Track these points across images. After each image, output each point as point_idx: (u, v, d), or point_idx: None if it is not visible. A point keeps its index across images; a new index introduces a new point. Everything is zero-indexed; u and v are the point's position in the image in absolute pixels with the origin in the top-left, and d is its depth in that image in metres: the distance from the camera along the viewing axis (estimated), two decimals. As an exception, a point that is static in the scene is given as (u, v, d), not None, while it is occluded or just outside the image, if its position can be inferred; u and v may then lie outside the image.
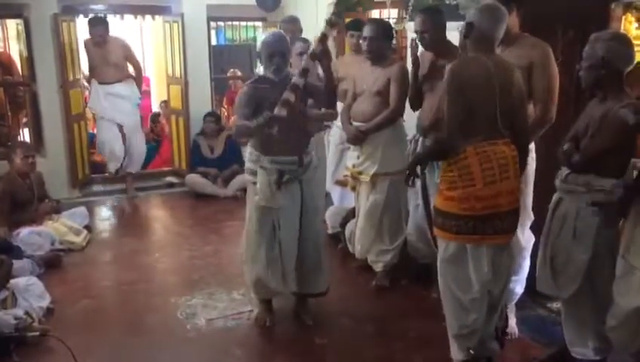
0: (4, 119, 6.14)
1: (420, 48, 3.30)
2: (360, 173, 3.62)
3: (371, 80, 3.53)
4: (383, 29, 3.51)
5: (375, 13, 5.58)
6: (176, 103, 6.12)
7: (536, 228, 2.85)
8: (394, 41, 4.13)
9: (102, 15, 5.62)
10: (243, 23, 7.58)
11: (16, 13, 5.34)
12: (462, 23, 2.52)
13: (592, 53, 2.35)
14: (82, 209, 4.87)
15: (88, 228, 4.72)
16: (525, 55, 2.67)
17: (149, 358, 3.00)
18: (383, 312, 3.40)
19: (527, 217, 2.84)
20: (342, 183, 4.22)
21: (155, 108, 8.01)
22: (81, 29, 5.60)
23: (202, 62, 6.06)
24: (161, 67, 7.25)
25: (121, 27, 6.96)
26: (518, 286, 2.98)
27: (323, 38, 2.84)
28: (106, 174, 5.82)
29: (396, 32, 4.32)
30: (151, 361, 2.99)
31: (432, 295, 3.32)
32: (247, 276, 3.21)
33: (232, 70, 7.51)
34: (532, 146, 2.79)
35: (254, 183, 3.02)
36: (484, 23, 2.41)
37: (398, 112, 3.51)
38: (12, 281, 3.22)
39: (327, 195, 4.45)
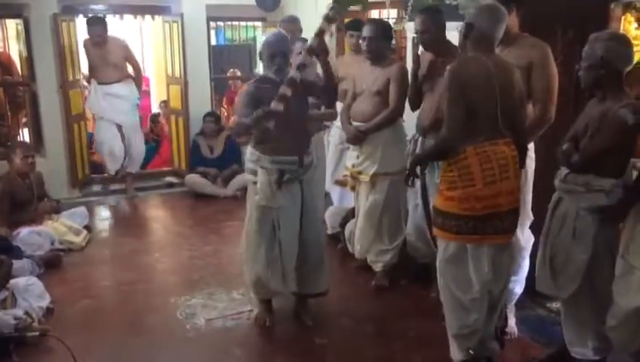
0: (3, 119, 6.13)
1: (420, 48, 3.30)
2: (359, 172, 3.62)
3: (371, 80, 3.54)
4: (383, 29, 3.51)
5: (374, 14, 5.58)
6: (175, 103, 6.12)
7: (535, 228, 2.85)
8: (393, 41, 4.13)
9: (101, 15, 5.61)
10: (243, 23, 7.57)
11: (15, 13, 5.34)
12: (461, 23, 2.52)
13: (591, 53, 2.35)
14: (82, 209, 4.87)
15: (88, 228, 4.72)
16: (525, 55, 2.67)
17: (148, 358, 3.00)
18: (382, 312, 3.40)
19: (527, 217, 2.85)
20: (341, 183, 4.22)
21: (155, 108, 8.01)
22: (81, 29, 5.59)
23: (202, 62, 6.05)
24: (160, 67, 7.25)
25: (120, 27, 6.96)
26: (518, 286, 2.99)
27: (320, 33, 2.83)
28: (106, 174, 5.80)
29: (395, 32, 4.32)
30: (150, 361, 2.99)
31: (432, 295, 3.33)
32: (247, 276, 3.21)
33: (231, 70, 7.51)
34: (531, 146, 2.80)
35: (254, 183, 3.03)
36: (484, 23, 2.42)
37: (398, 112, 3.52)
38: (12, 281, 3.22)
39: (327, 195, 4.45)
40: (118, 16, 6.35)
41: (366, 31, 3.50)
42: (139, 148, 5.72)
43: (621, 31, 3.56)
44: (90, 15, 5.55)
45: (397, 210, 3.63)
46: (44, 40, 5.24)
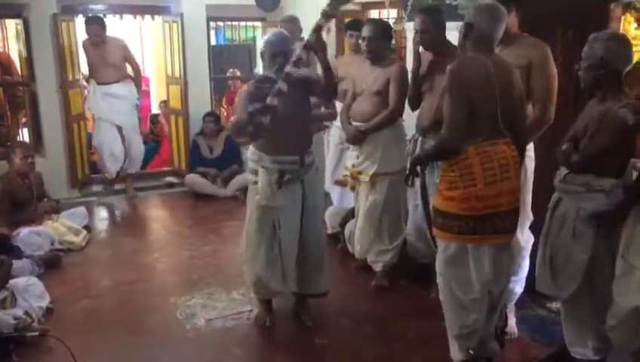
0: (3, 119, 6.13)
1: (420, 48, 3.30)
2: (359, 172, 3.62)
3: (371, 80, 3.54)
4: (382, 29, 3.51)
5: (374, 14, 5.58)
6: (175, 103, 6.12)
7: (535, 228, 2.85)
8: (393, 41, 4.13)
9: (99, 15, 5.60)
10: (242, 23, 7.57)
11: (15, 13, 5.33)
12: (461, 23, 2.52)
13: (590, 54, 2.35)
14: (82, 209, 4.87)
15: (88, 228, 4.72)
16: (524, 55, 2.67)
17: (148, 358, 3.00)
18: (382, 312, 3.40)
19: (526, 217, 2.85)
20: (341, 183, 4.22)
21: (155, 108, 8.01)
22: (81, 29, 5.57)
23: (202, 62, 6.05)
24: (160, 67, 7.24)
25: (120, 27, 6.96)
26: (518, 286, 2.99)
27: (317, 29, 2.81)
28: (106, 175, 5.76)
29: (395, 32, 4.32)
30: (150, 361, 2.99)
31: (432, 295, 3.32)
32: (247, 276, 3.21)
33: (231, 70, 7.51)
34: (531, 146, 2.80)
35: (255, 183, 3.03)
36: (484, 23, 2.41)
37: (398, 112, 3.52)
38: (12, 281, 3.22)
39: (327, 195, 4.45)
40: (117, 16, 6.34)
41: (366, 31, 3.50)
42: (138, 148, 5.72)
43: (621, 31, 3.56)
44: (89, 15, 5.54)
45: (397, 210, 3.63)
46: (44, 40, 5.24)
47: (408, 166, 2.78)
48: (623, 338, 2.35)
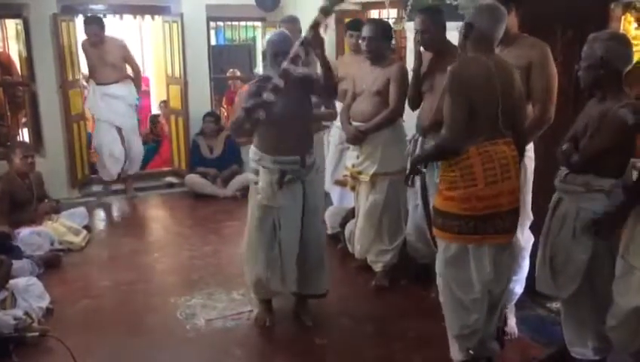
0: (3, 119, 6.13)
1: (421, 48, 3.29)
2: (359, 172, 3.62)
3: (371, 80, 3.54)
4: (382, 30, 3.51)
5: (374, 14, 5.58)
6: (175, 103, 6.12)
7: (535, 228, 2.85)
8: (393, 41, 4.13)
9: (98, 15, 5.59)
10: (242, 23, 7.57)
11: (15, 13, 5.33)
12: (461, 23, 2.52)
13: (590, 53, 2.35)
14: (81, 209, 4.87)
15: (88, 228, 4.72)
16: (524, 55, 2.67)
17: (148, 358, 3.00)
18: (382, 312, 3.40)
19: (526, 217, 2.85)
20: (341, 183, 4.22)
21: (155, 108, 8.01)
22: (81, 29, 5.57)
23: (202, 62, 6.05)
24: (160, 67, 7.24)
25: (120, 27, 6.95)
26: (518, 286, 2.99)
27: (315, 25, 2.80)
28: (105, 178, 5.71)
29: (395, 32, 4.32)
30: (150, 361, 2.99)
31: (432, 295, 3.32)
32: (248, 276, 3.21)
33: (231, 70, 7.51)
34: (531, 146, 2.80)
35: (256, 183, 3.03)
36: (484, 23, 2.41)
37: (398, 112, 3.52)
38: (11, 282, 3.22)
39: (327, 195, 4.45)
40: (117, 16, 6.34)
41: (365, 31, 3.50)
42: (138, 149, 5.70)
43: (621, 31, 3.56)
44: (88, 15, 5.53)
45: (397, 210, 3.63)
46: (44, 40, 5.24)
47: (409, 166, 2.78)
48: (623, 339, 2.34)
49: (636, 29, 4.41)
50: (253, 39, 8.09)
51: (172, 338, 3.12)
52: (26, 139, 6.03)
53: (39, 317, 3.17)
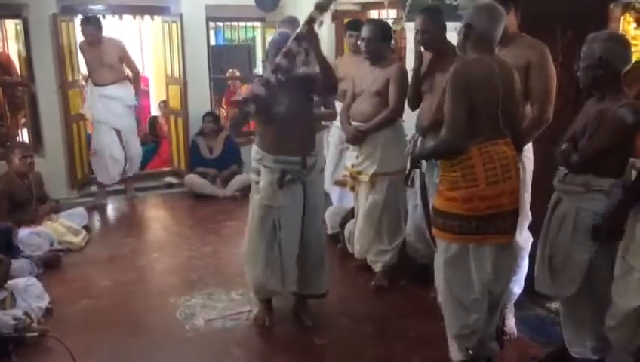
0: (2, 119, 6.12)
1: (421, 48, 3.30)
2: (359, 173, 3.62)
3: (370, 80, 3.54)
4: (382, 30, 3.51)
5: (374, 14, 5.59)
6: (175, 103, 6.12)
7: (534, 229, 2.85)
8: (392, 42, 4.13)
9: (95, 15, 5.56)
10: (242, 23, 7.57)
11: (15, 13, 5.32)
12: (459, 24, 2.52)
13: (589, 53, 2.35)
14: (81, 209, 4.87)
15: (87, 228, 4.72)
16: (523, 55, 2.68)
17: (147, 358, 3.00)
18: (382, 312, 3.40)
19: (525, 217, 2.84)
20: (341, 183, 4.22)
21: (154, 108, 8.00)
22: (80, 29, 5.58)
23: (201, 63, 6.05)
24: (159, 67, 7.24)
25: (120, 27, 6.95)
26: (517, 287, 2.99)
27: (310, 21, 2.79)
28: (104, 182, 5.61)
29: (394, 32, 4.32)
30: (150, 361, 2.99)
31: (431, 295, 3.33)
32: (248, 276, 3.22)
33: (230, 70, 7.51)
34: (529, 146, 2.80)
35: (257, 182, 3.03)
36: (482, 23, 2.41)
37: (397, 112, 3.52)
38: (11, 282, 3.22)
39: (327, 195, 4.45)
40: (117, 16, 6.34)
41: (365, 32, 3.50)
42: (136, 150, 5.66)
43: (620, 31, 3.56)
44: (86, 15, 5.51)
45: (396, 210, 3.63)
46: (44, 40, 5.23)
47: (409, 164, 2.78)
48: (622, 339, 2.35)
49: (635, 29, 4.42)
50: (253, 39, 8.09)
51: (171, 339, 3.12)
52: (26, 139, 6.02)
53: (39, 317, 3.17)
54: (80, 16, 5.55)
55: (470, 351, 2.59)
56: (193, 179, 5.77)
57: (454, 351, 2.66)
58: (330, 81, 2.96)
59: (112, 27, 6.47)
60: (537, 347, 2.97)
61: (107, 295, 3.66)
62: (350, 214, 4.06)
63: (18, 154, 4.33)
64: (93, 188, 5.72)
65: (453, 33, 2.89)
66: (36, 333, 2.97)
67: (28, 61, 5.36)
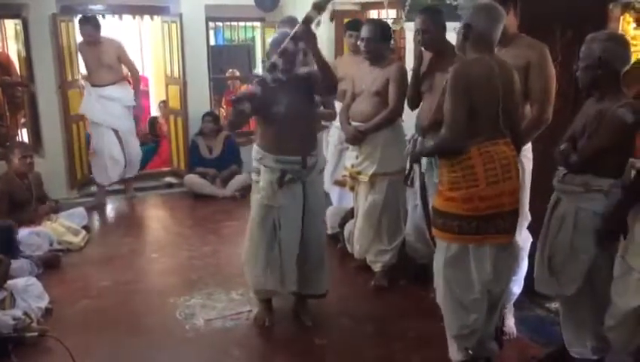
0: (2, 119, 6.12)
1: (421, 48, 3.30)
2: (359, 173, 3.62)
3: (370, 80, 3.54)
4: (381, 30, 3.51)
5: (373, 14, 5.59)
6: (174, 103, 6.11)
7: (533, 229, 2.85)
8: (392, 42, 4.13)
9: (94, 15, 5.55)
10: (241, 23, 7.57)
11: (14, 13, 5.32)
12: (459, 24, 2.51)
13: (589, 54, 2.35)
14: (80, 209, 4.87)
15: (87, 228, 4.72)
16: (522, 55, 2.67)
17: (147, 358, 3.00)
18: (381, 312, 3.40)
19: (524, 217, 2.84)
20: (341, 183, 4.23)
21: (154, 108, 7.99)
22: (80, 29, 5.58)
23: (201, 63, 6.05)
24: (159, 67, 7.24)
25: (119, 27, 6.95)
26: (516, 287, 2.99)
27: (306, 20, 2.78)
28: (103, 183, 5.59)
29: (394, 32, 4.32)
30: (149, 361, 2.99)
31: (431, 295, 3.31)
32: (247, 276, 3.22)
33: (230, 70, 7.51)
34: (529, 146, 2.80)
35: (257, 182, 3.03)
36: (481, 22, 2.41)
37: (397, 112, 3.52)
38: (11, 282, 3.22)
39: (326, 195, 4.45)
40: (117, 16, 6.34)
41: (364, 32, 3.50)
42: (135, 151, 5.64)
43: (620, 31, 3.57)
44: (84, 15, 5.50)
45: (396, 210, 3.63)
46: (43, 40, 5.23)
47: (408, 164, 2.78)
48: (622, 339, 2.35)
49: (635, 29, 4.42)
50: (253, 39, 8.09)
51: (171, 339, 3.12)
52: (25, 139, 6.02)
53: (38, 317, 3.17)
54: (80, 16, 5.55)
55: (470, 351, 2.59)
56: (193, 179, 5.77)
57: (454, 351, 2.66)
58: (329, 80, 2.95)
59: (112, 27, 6.47)
60: (537, 347, 2.97)
61: (107, 295, 3.66)
62: (350, 214, 4.06)
63: (18, 154, 4.33)
64: (93, 189, 5.72)
65: (452, 33, 2.89)
66: (36, 333, 2.97)
67: (27, 61, 5.36)
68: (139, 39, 8.80)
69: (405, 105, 3.48)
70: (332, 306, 3.41)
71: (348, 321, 3.29)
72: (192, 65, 5.89)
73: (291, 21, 4.36)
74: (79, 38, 5.43)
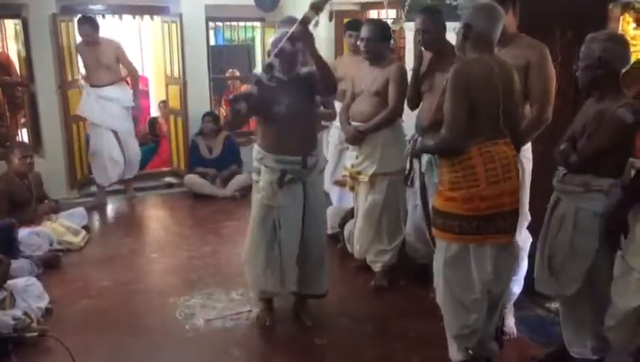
0: (2, 119, 6.12)
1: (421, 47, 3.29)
2: (359, 173, 3.62)
3: (370, 80, 3.54)
4: (381, 30, 3.51)
5: (373, 14, 5.59)
6: (174, 103, 6.12)
7: (533, 229, 2.85)
8: (392, 42, 4.13)
9: (92, 15, 5.55)
10: (241, 23, 7.57)
11: (14, 13, 5.33)
12: (458, 24, 2.51)
13: (588, 54, 2.36)
14: (80, 209, 4.87)
15: (87, 228, 4.72)
16: (522, 55, 2.67)
17: (147, 358, 3.00)
18: (381, 312, 3.40)
19: (524, 217, 2.84)
20: (341, 183, 4.23)
21: (154, 108, 8.00)
22: (80, 29, 5.58)
23: (201, 63, 6.05)
24: (159, 67, 7.24)
25: (119, 27, 6.95)
26: (516, 287, 2.99)
27: (304, 21, 2.77)
28: (103, 183, 5.58)
29: (394, 32, 4.32)
30: (149, 361, 2.99)
31: (431, 295, 3.31)
32: (248, 276, 3.22)
33: (230, 70, 7.51)
34: (528, 146, 2.80)
35: (258, 182, 3.03)
36: (481, 23, 2.41)
37: (397, 112, 3.52)
38: (11, 282, 3.22)
39: (326, 195, 4.45)
40: (116, 16, 6.34)
41: (364, 32, 3.50)
42: (135, 151, 5.63)
43: (619, 31, 3.57)
44: (83, 15, 5.49)
45: (396, 210, 3.63)
46: (43, 40, 5.23)
47: (408, 164, 2.78)
48: (622, 339, 2.35)
49: (634, 29, 4.42)
50: (253, 39, 8.09)
51: (171, 339, 3.12)
52: (25, 139, 6.02)
53: (38, 317, 3.17)
54: (80, 16, 5.55)
55: (470, 351, 2.59)
56: (193, 179, 5.77)
57: (454, 351, 2.66)
58: (328, 80, 2.95)
59: (112, 27, 6.47)
60: (537, 347, 2.97)
61: (107, 295, 3.66)
62: (350, 214, 4.06)
63: (18, 154, 4.33)
64: (93, 189, 5.71)
65: (452, 33, 2.89)
66: (36, 333, 2.97)
67: (27, 61, 5.36)
68: (139, 39, 8.80)
69: (405, 105, 3.48)
70: (332, 306, 3.41)
71: (348, 321, 3.29)
72: (192, 65, 5.89)
73: (291, 21, 4.33)
74: (79, 38, 5.43)
